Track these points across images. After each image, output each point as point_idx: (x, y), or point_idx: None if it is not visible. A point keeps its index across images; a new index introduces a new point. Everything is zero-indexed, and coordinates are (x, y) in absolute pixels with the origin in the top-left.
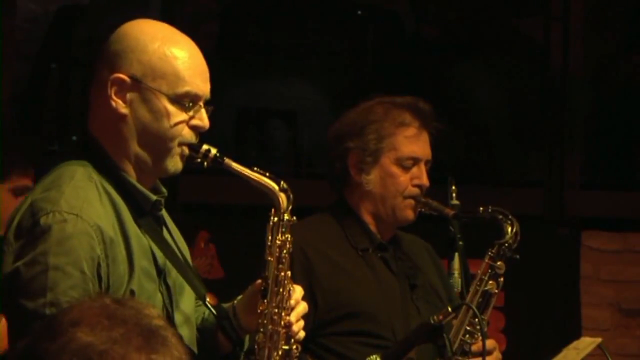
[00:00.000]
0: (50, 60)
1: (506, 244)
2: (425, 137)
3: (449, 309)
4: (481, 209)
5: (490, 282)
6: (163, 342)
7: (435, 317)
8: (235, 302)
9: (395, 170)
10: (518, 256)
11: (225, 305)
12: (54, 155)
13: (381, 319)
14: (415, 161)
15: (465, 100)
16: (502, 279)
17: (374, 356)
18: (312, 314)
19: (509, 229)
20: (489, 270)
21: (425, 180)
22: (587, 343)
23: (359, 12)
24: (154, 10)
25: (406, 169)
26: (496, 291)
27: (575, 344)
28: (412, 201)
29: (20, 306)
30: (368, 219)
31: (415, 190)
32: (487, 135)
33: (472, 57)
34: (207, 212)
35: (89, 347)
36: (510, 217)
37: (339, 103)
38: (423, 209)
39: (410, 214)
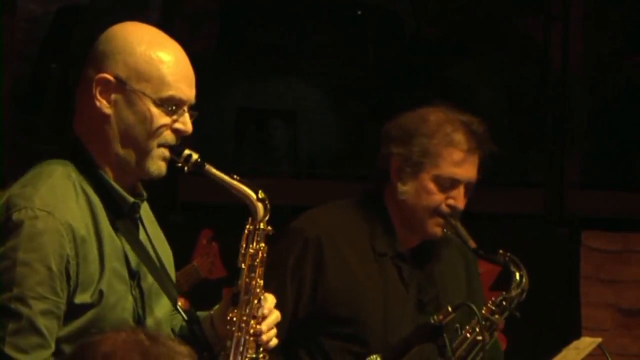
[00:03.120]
0: (50, 60)
1: (508, 300)
2: (473, 160)
3: (449, 309)
4: (500, 252)
5: (485, 333)
6: None
7: (435, 317)
8: (212, 311)
9: (432, 187)
10: (518, 314)
11: (203, 314)
12: (53, 155)
13: (375, 330)
14: (455, 183)
15: (465, 100)
16: (496, 333)
17: (374, 356)
18: (311, 305)
19: (517, 282)
20: (484, 322)
21: (460, 203)
22: (587, 343)
23: (359, 12)
24: (154, 10)
25: (444, 188)
26: (487, 341)
27: (575, 344)
28: (441, 220)
29: None
30: (397, 222)
31: (447, 210)
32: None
33: (472, 57)
34: (207, 212)
35: None
36: (522, 271)
37: (339, 103)
38: (449, 232)
39: (437, 231)
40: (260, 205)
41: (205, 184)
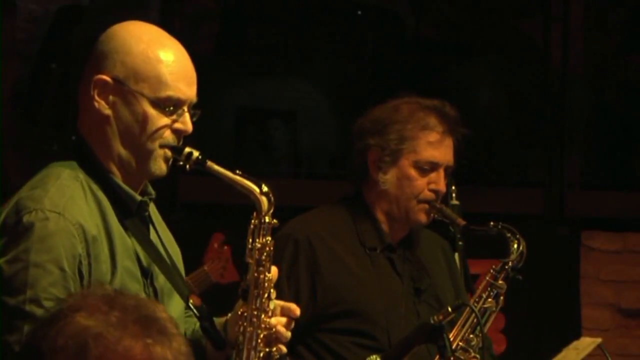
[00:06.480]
0: (50, 60)
1: (510, 263)
2: (448, 143)
3: (449, 309)
4: (492, 223)
5: (490, 300)
6: (162, 331)
7: (435, 317)
8: (228, 316)
9: (413, 173)
10: (521, 277)
11: (219, 320)
12: (53, 155)
13: (377, 321)
14: (434, 166)
15: (465, 101)
16: (502, 298)
17: (374, 356)
18: (312, 306)
19: (515, 248)
20: (489, 289)
21: (442, 186)
22: (587, 343)
23: (359, 12)
24: (154, 10)
25: (424, 172)
26: (494, 309)
27: (575, 344)
28: (426, 205)
29: (3, 303)
30: (382, 217)
31: (431, 195)
32: (487, 135)
33: (472, 57)
34: (206, 212)
35: (85, 331)
36: (518, 235)
37: (339, 103)
38: (436, 215)
39: (423, 218)
40: (264, 199)
41: (206, 184)
